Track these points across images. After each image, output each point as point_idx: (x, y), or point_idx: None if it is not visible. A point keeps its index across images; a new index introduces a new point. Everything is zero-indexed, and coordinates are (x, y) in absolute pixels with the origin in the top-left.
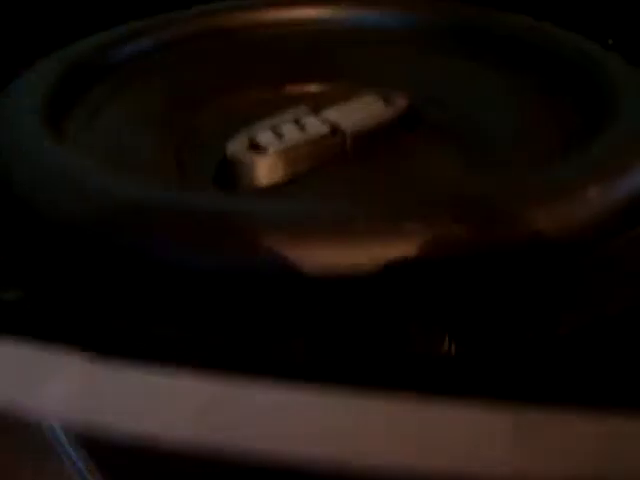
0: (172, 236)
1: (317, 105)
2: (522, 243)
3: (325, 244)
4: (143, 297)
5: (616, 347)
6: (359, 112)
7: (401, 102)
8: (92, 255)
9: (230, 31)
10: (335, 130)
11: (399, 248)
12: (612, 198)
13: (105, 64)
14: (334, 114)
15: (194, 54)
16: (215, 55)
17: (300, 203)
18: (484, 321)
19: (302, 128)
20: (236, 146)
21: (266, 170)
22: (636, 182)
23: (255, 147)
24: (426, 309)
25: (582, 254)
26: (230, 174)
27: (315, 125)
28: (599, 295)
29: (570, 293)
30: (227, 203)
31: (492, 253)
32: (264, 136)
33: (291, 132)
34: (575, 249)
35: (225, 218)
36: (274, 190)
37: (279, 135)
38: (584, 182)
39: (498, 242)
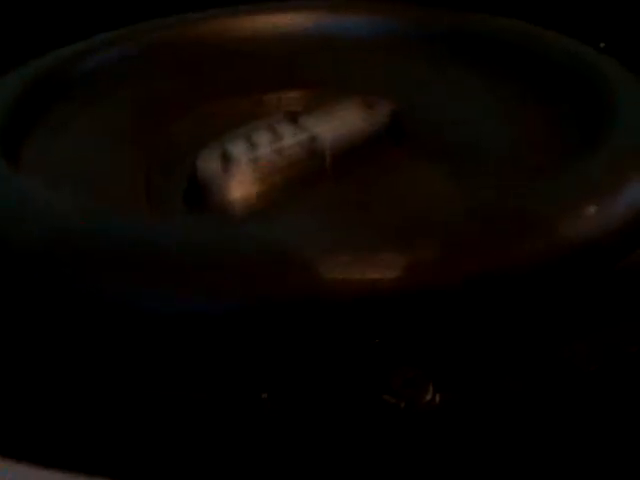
0: (116, 273)
1: (295, 115)
2: (519, 272)
3: (293, 281)
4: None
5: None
6: (340, 122)
7: (385, 111)
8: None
9: (204, 40)
10: (313, 142)
11: (374, 282)
12: (616, 215)
13: (69, 79)
14: (313, 125)
15: (165, 65)
16: (188, 65)
17: (266, 231)
18: (475, 365)
19: (278, 140)
20: (207, 162)
21: (238, 187)
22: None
23: (227, 162)
24: (407, 352)
25: (585, 281)
26: (200, 192)
27: (292, 137)
28: (609, 329)
29: (576, 328)
30: (184, 234)
31: (484, 284)
32: (237, 150)
33: (266, 145)
34: (577, 275)
35: (178, 252)
36: (245, 210)
37: (253, 149)
38: (585, 199)
39: (490, 272)
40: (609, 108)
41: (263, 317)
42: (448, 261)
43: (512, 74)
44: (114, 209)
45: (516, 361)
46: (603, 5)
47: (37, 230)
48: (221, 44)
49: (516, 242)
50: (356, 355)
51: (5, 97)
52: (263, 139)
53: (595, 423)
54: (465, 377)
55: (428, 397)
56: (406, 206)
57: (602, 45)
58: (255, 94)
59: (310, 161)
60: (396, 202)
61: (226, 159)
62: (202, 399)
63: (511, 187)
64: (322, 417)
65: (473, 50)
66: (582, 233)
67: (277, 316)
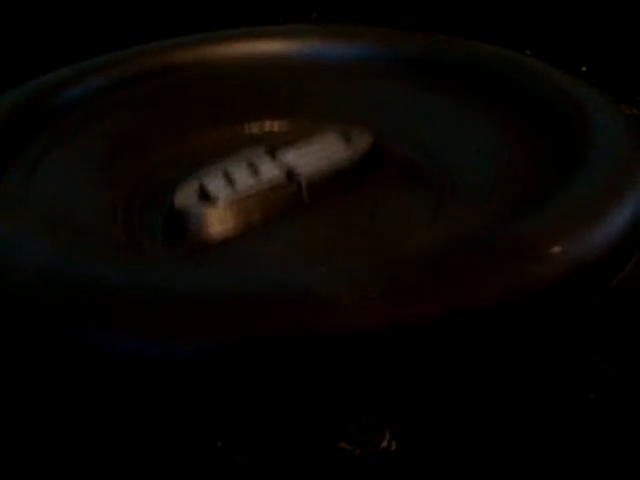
0: (89, 317)
1: (274, 146)
2: (489, 312)
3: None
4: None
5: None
6: (318, 154)
7: (364, 141)
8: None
9: (182, 68)
10: (291, 175)
11: (338, 324)
12: (587, 253)
13: (43, 111)
14: (291, 157)
15: (142, 95)
16: (166, 95)
17: (235, 273)
18: (432, 410)
19: (256, 174)
20: (185, 196)
21: (216, 222)
22: (610, 232)
23: (205, 197)
24: (364, 397)
25: (551, 321)
26: (179, 227)
27: (270, 170)
28: (568, 377)
29: (536, 371)
30: (149, 277)
31: (441, 327)
32: (215, 184)
33: (244, 179)
34: (545, 315)
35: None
36: (221, 247)
37: (231, 182)
38: (556, 237)
39: (453, 314)
40: (585, 139)
41: (222, 364)
42: (406, 304)
43: (493, 102)
44: (75, 252)
45: (476, 407)
46: (584, 30)
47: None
48: (203, 72)
49: (474, 291)
50: (311, 401)
51: None
52: (241, 175)
53: (548, 467)
54: (422, 423)
55: (384, 443)
56: (375, 244)
57: (584, 69)
58: (236, 124)
59: (288, 196)
60: (370, 237)
61: (204, 195)
62: (156, 444)
63: (483, 223)
64: (276, 466)
65: (454, 77)
66: (553, 275)
67: (234, 362)
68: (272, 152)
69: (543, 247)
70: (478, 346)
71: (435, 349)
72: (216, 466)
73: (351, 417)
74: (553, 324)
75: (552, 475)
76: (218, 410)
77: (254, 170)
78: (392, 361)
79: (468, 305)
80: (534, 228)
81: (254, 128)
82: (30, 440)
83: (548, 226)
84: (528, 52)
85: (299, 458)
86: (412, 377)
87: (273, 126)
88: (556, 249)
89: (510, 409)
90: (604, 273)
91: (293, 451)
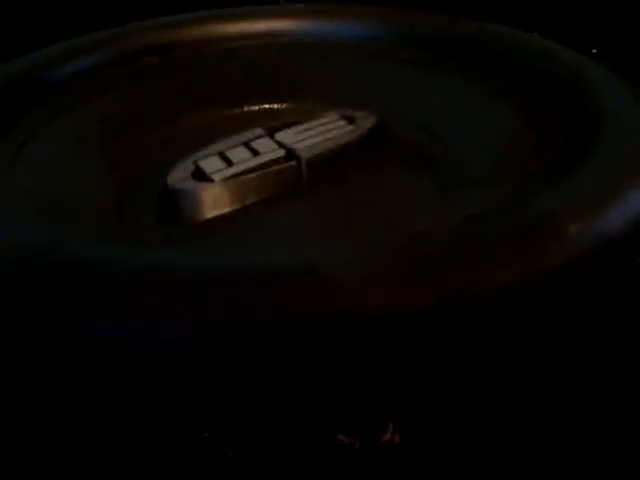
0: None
1: (274, 126)
2: (503, 296)
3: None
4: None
5: None
6: (319, 134)
7: (367, 121)
8: None
9: (181, 47)
10: (290, 155)
11: (338, 308)
12: (609, 230)
13: (38, 86)
14: (291, 137)
15: (138, 74)
16: (163, 73)
17: (223, 256)
18: (438, 401)
19: (254, 153)
20: (178, 175)
21: (211, 201)
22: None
23: (200, 175)
24: (365, 387)
25: (572, 305)
26: (172, 207)
27: (268, 149)
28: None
29: (554, 362)
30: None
31: (446, 316)
32: (211, 163)
33: (241, 158)
34: (565, 299)
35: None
36: (212, 228)
37: (228, 161)
38: (567, 220)
39: (457, 304)
40: (597, 118)
41: (215, 349)
42: (410, 288)
43: (501, 83)
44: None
45: (486, 400)
46: (594, 12)
47: None
48: (201, 51)
49: (479, 276)
50: (308, 389)
51: None
52: (238, 155)
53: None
54: (428, 414)
55: (387, 436)
56: (369, 231)
57: (594, 51)
58: (234, 105)
59: (287, 176)
60: (367, 221)
61: (199, 175)
62: (144, 435)
63: (488, 206)
64: (268, 461)
65: (459, 56)
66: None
67: (229, 348)
68: (271, 133)
69: (564, 225)
70: (491, 333)
71: (443, 335)
72: (203, 459)
73: (351, 408)
74: (574, 308)
75: (559, 469)
76: (209, 399)
77: (252, 150)
78: (396, 348)
79: (480, 289)
80: (554, 205)
81: (253, 109)
82: (16, 418)
83: (569, 203)
84: (536, 35)
85: (293, 452)
86: (418, 366)
87: (273, 107)
88: (578, 227)
89: (524, 400)
90: (627, 251)
91: (287, 444)
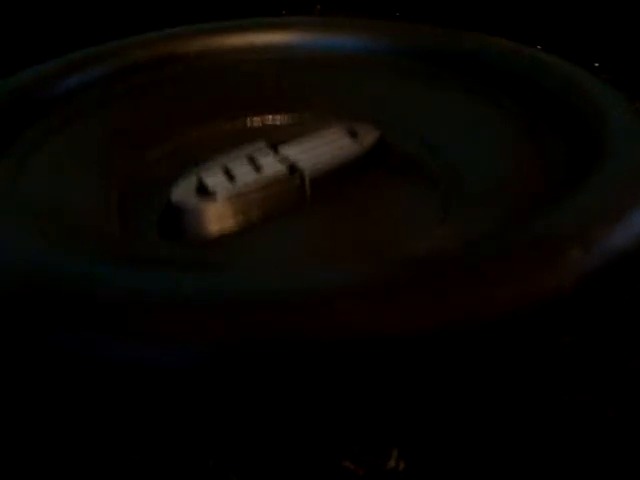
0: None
1: (277, 140)
2: (503, 321)
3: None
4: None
5: None
6: (321, 149)
7: (370, 136)
8: None
9: (183, 59)
10: (293, 170)
11: (342, 332)
12: (610, 255)
13: (40, 100)
14: (293, 152)
15: (141, 87)
16: (165, 86)
17: (223, 279)
18: (443, 427)
19: (257, 169)
20: (182, 191)
21: (214, 218)
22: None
23: (203, 191)
24: (368, 413)
25: (571, 329)
26: (175, 223)
27: (271, 165)
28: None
29: (556, 385)
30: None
31: (450, 340)
32: (214, 179)
33: (244, 173)
34: (564, 323)
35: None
36: (215, 245)
37: (231, 177)
38: (571, 242)
39: (462, 327)
40: (600, 136)
41: (218, 373)
42: (412, 312)
43: (502, 97)
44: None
45: (491, 424)
46: (596, 26)
47: None
48: (204, 63)
49: (487, 296)
50: (313, 416)
51: None
52: (241, 169)
53: None
54: (432, 441)
55: (391, 463)
56: (377, 244)
57: (596, 65)
58: (237, 118)
59: (290, 192)
60: (373, 237)
61: (202, 190)
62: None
63: (492, 226)
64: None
65: (462, 71)
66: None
67: (230, 372)
68: (274, 147)
69: (565, 249)
70: (494, 357)
71: (446, 360)
72: None
73: (356, 434)
74: (573, 332)
75: None
76: (213, 425)
77: (255, 165)
78: (401, 372)
79: (480, 313)
80: (554, 228)
81: (255, 122)
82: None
83: (569, 226)
84: (539, 48)
85: (298, 478)
86: (424, 391)
87: (275, 120)
88: (579, 251)
89: (527, 427)
90: (633, 270)
91: (291, 471)
